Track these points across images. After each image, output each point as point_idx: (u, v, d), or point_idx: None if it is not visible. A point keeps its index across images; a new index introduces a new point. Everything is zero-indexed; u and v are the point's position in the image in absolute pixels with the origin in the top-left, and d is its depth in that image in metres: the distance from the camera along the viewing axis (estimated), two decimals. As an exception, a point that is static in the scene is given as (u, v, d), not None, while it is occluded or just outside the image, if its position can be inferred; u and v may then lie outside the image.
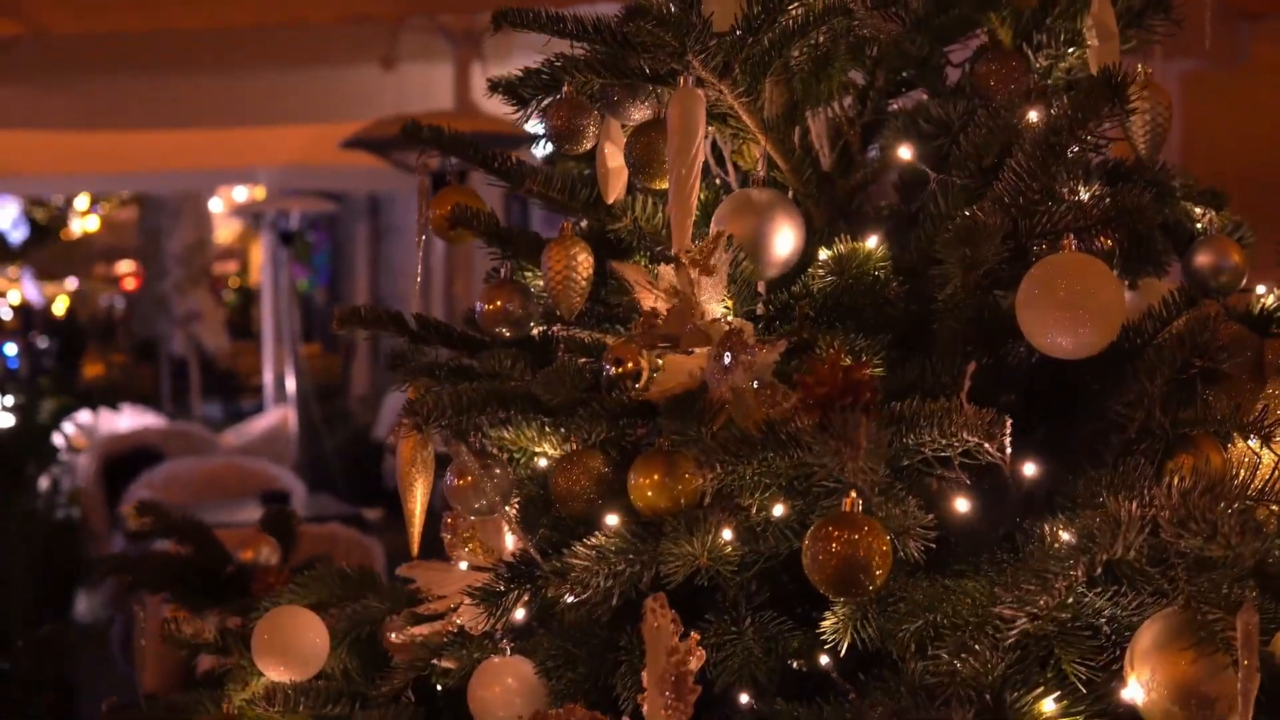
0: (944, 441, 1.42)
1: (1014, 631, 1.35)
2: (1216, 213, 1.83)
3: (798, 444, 1.40)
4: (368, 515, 6.86)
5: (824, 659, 1.53)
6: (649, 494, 1.56)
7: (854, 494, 1.36)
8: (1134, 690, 1.37)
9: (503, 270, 1.84)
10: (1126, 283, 1.77)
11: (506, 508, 1.68)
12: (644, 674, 1.36)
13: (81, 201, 18.71)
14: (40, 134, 8.55)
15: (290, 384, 10.30)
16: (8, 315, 17.91)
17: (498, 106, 1.87)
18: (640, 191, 1.79)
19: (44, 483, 8.37)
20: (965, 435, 1.41)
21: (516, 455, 1.83)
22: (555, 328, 1.83)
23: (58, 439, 8.77)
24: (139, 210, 16.63)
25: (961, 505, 1.50)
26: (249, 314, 17.93)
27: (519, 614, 1.64)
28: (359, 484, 9.02)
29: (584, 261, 1.76)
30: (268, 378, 11.15)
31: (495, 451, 1.71)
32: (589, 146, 1.73)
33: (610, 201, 1.76)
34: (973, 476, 1.52)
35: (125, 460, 8.33)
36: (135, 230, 17.05)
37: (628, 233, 1.79)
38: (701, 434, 1.47)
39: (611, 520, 1.58)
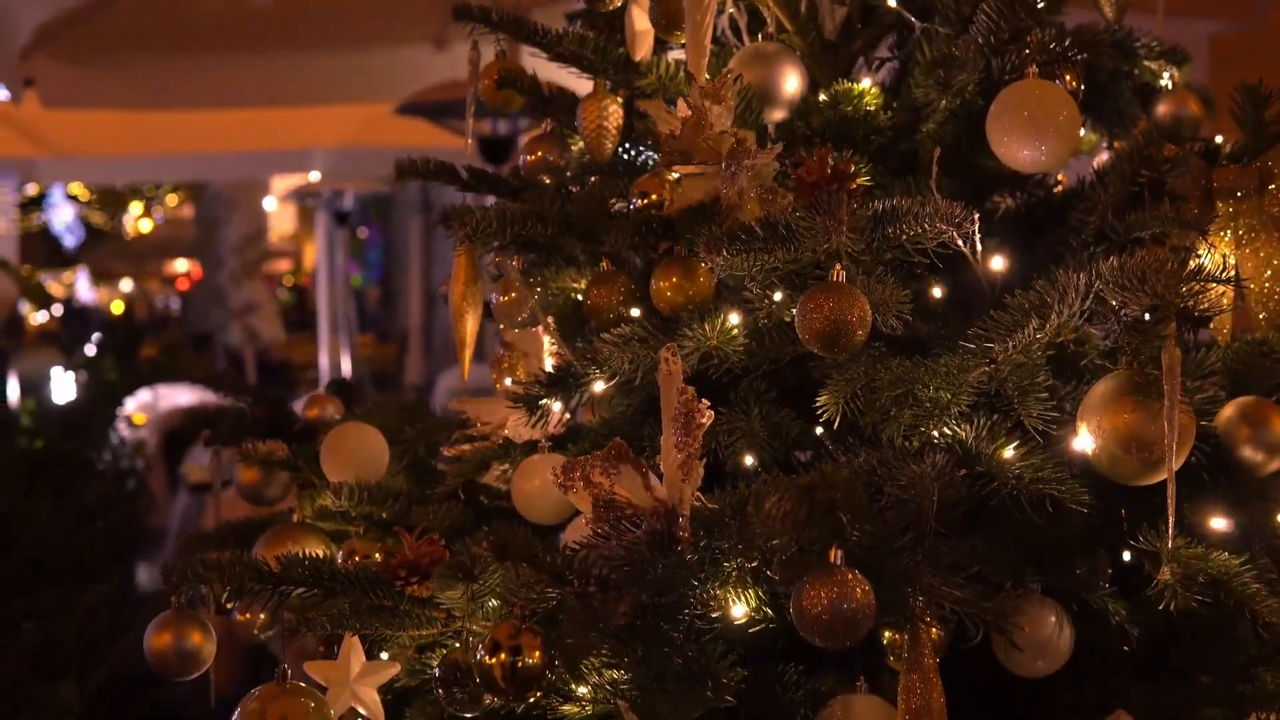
0: (919, 230, 1.64)
1: (978, 375, 1.57)
2: (1177, 69, 2.05)
3: (791, 232, 1.63)
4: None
5: (818, 430, 1.76)
6: (668, 294, 1.81)
7: (839, 266, 1.59)
8: (1084, 440, 1.60)
9: (545, 125, 2.08)
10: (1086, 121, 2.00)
11: (546, 321, 1.92)
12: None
13: (136, 207, 19.16)
14: (96, 114, 8.78)
15: (346, 371, 10.55)
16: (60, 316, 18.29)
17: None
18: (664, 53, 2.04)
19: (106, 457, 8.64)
20: (938, 224, 1.64)
21: (555, 294, 2.08)
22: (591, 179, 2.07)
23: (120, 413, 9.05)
24: (194, 207, 17.00)
25: (936, 292, 1.72)
26: (304, 310, 18.27)
27: (556, 407, 1.87)
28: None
29: (614, 113, 2.00)
30: (323, 363, 11.42)
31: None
32: (617, 5, 1.97)
33: (637, 59, 2.00)
34: (948, 276, 1.76)
35: (185, 433, 8.61)
36: (191, 226, 17.44)
37: (652, 88, 2.03)
38: (712, 230, 1.70)
39: (635, 312, 1.82)
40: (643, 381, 1.79)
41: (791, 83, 1.91)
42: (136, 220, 19.41)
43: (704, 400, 1.58)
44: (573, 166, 2.08)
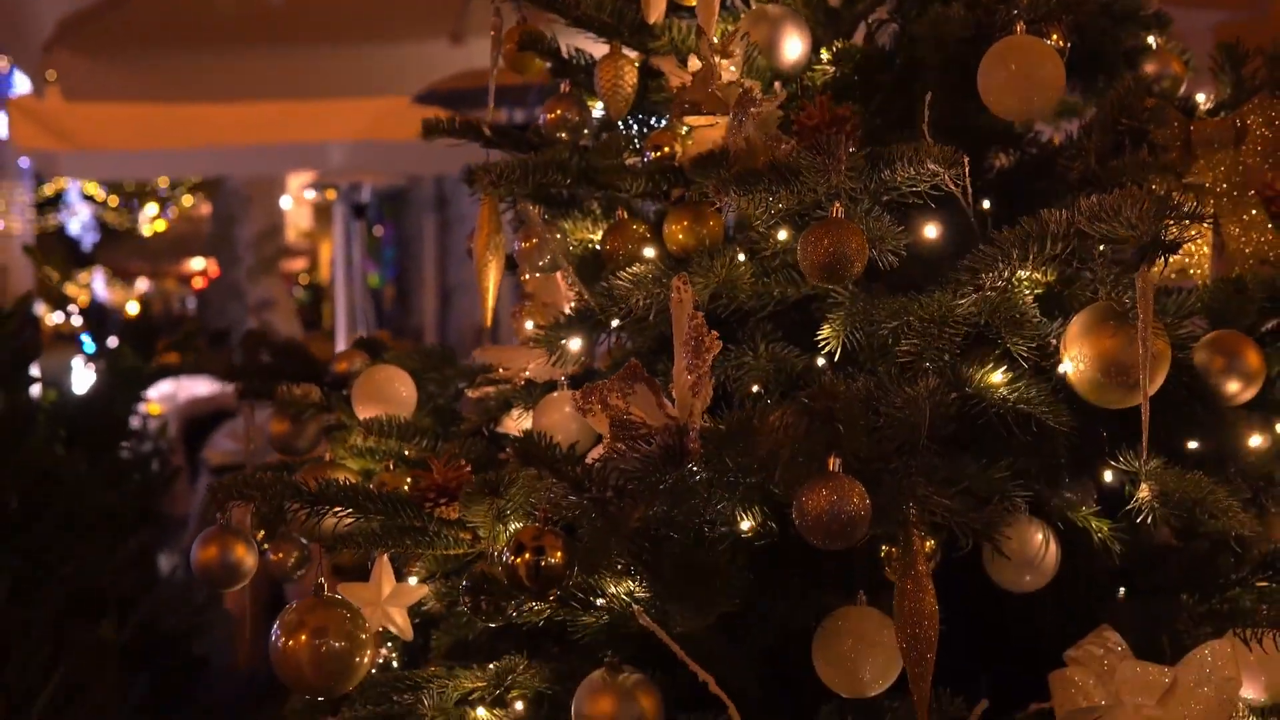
0: (913, 172, 1.76)
1: (968, 305, 1.69)
2: (1160, 32, 2.17)
3: (794, 174, 1.76)
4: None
5: (820, 361, 1.88)
6: (679, 236, 1.93)
7: (838, 204, 1.71)
8: (1066, 365, 1.71)
9: (563, 86, 2.20)
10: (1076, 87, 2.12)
11: (565, 264, 2.05)
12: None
13: (151, 208, 19.32)
14: (116, 107, 8.89)
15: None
16: (79, 321, 18.43)
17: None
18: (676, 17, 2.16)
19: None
20: (930, 165, 1.76)
21: (574, 245, 2.20)
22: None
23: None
24: (210, 204, 17.14)
25: (930, 231, 1.84)
26: (319, 310, 18.41)
27: (575, 345, 2.00)
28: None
29: (629, 72, 2.12)
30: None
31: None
32: (633, -30, 2.10)
33: (651, 22, 2.12)
34: (940, 217, 1.88)
35: (204, 422, 8.77)
36: (207, 224, 17.58)
37: (665, 49, 2.15)
38: (721, 173, 1.83)
39: (649, 253, 1.94)
40: (656, 319, 1.91)
41: (795, 46, 2.03)
42: (153, 220, 19.56)
43: (713, 333, 1.70)
44: (590, 124, 2.20)
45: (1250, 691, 1.84)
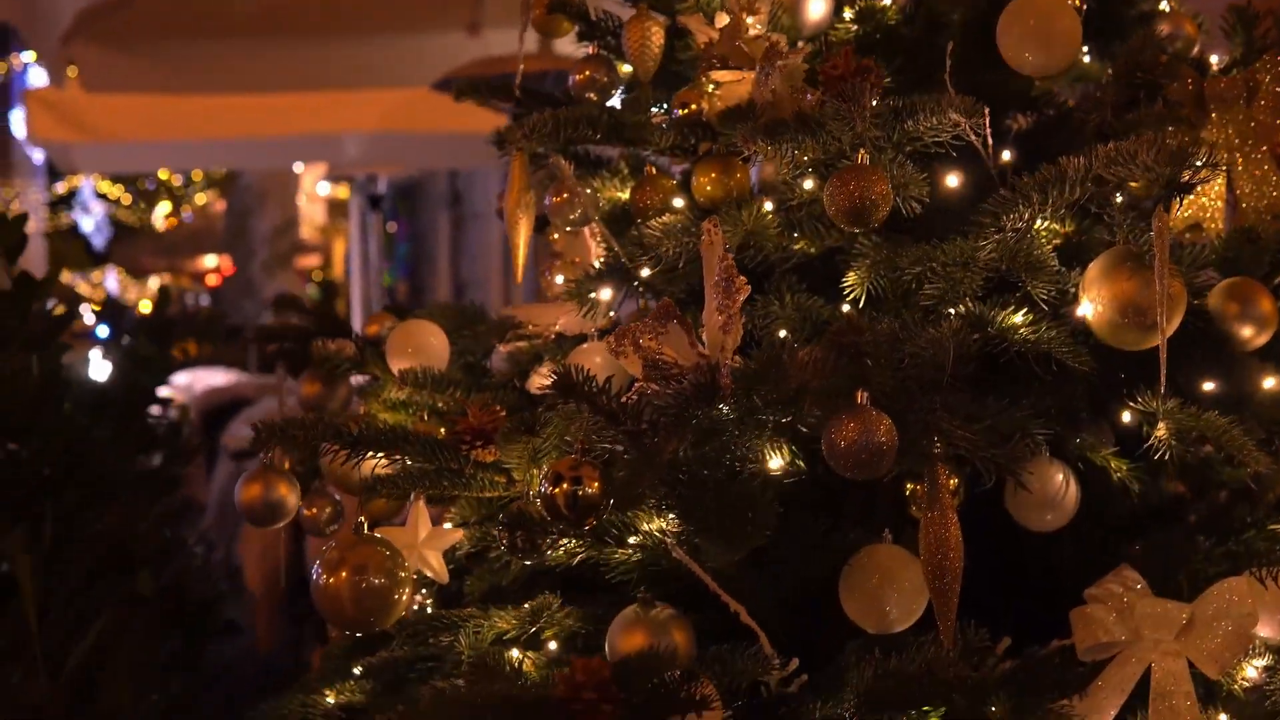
0: (936, 122, 1.82)
1: (990, 251, 1.75)
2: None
3: (819, 123, 1.81)
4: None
5: (845, 309, 1.94)
6: (708, 188, 1.99)
7: (863, 150, 1.77)
8: (1085, 308, 1.77)
9: (592, 48, 2.26)
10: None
11: (596, 217, 2.10)
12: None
13: (164, 206, 19.40)
14: (132, 98, 8.95)
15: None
16: (91, 320, 18.47)
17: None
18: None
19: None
20: (952, 115, 1.81)
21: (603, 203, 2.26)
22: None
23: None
24: (225, 201, 17.24)
25: (952, 181, 1.90)
26: (333, 306, 18.47)
27: (605, 295, 2.05)
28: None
29: (656, 33, 2.18)
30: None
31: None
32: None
33: (677, -17, 2.18)
34: (961, 169, 1.93)
35: (223, 411, 8.83)
36: (221, 220, 17.68)
37: (691, 10, 2.21)
38: (748, 125, 1.88)
39: (678, 203, 2.00)
40: (685, 269, 1.96)
41: (818, 7, 2.08)
42: (165, 218, 19.64)
43: (741, 278, 1.75)
44: (618, 85, 2.25)
45: (1265, 630, 1.89)
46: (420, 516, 2.01)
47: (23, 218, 3.47)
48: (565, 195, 2.10)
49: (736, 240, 1.91)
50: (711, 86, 2.00)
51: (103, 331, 10.68)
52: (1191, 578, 1.87)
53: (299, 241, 17.43)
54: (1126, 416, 1.87)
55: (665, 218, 1.96)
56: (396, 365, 2.23)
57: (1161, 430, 1.76)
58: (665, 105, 2.18)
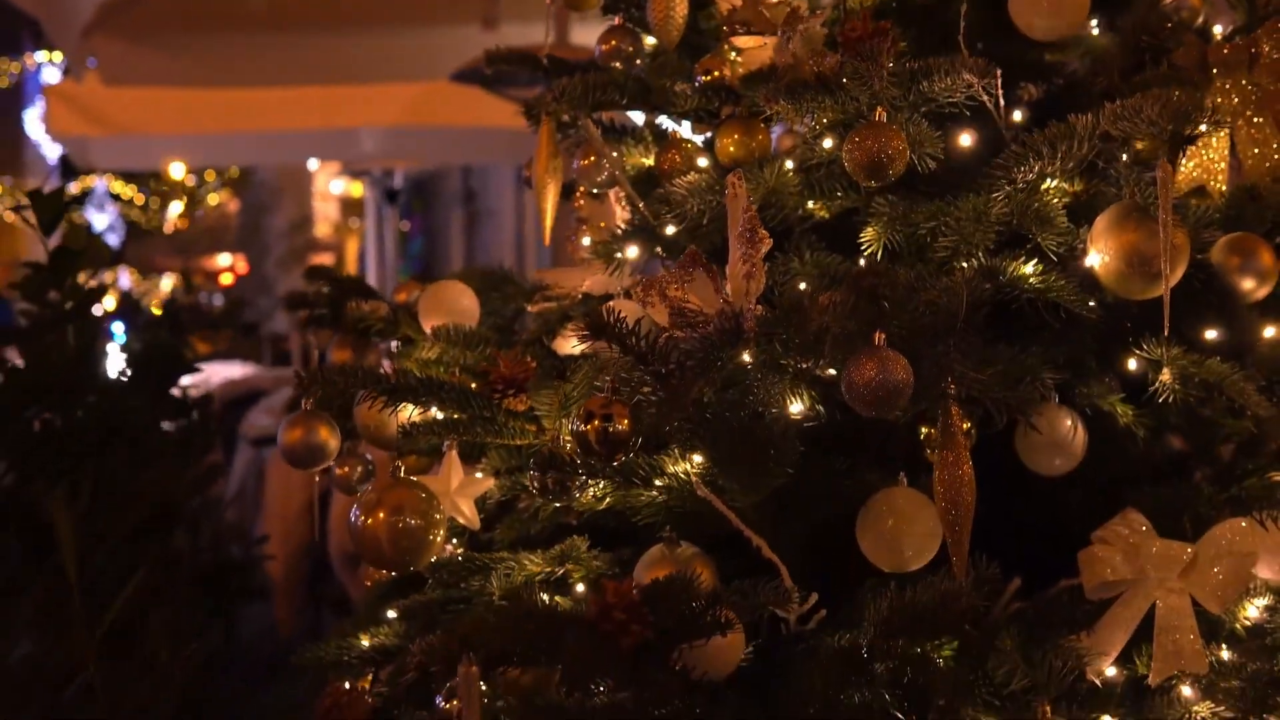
0: (950, 83, 1.90)
1: (1000, 204, 1.83)
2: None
3: (838, 83, 1.89)
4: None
5: (863, 264, 2.02)
6: (730, 149, 2.07)
7: (881, 109, 1.85)
8: (1093, 259, 1.85)
9: (617, 19, 2.34)
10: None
11: (623, 178, 2.18)
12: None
13: (176, 206, 19.49)
14: (151, 91, 9.05)
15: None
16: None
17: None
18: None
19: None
20: (966, 76, 1.89)
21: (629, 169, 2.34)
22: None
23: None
24: (239, 200, 17.33)
25: (965, 140, 1.98)
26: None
27: (632, 253, 2.14)
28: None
29: (680, 3, 2.26)
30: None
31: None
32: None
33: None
34: (975, 130, 2.01)
35: (240, 402, 8.92)
36: (236, 218, 17.77)
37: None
38: (769, 86, 1.97)
39: (702, 162, 2.08)
40: (709, 226, 2.05)
41: (836, -31, 2.17)
42: (178, 218, 19.72)
43: (763, 230, 1.83)
44: (643, 54, 2.34)
45: (1266, 571, 1.96)
46: (453, 465, 2.09)
47: (60, 191, 3.56)
48: (593, 158, 2.18)
49: (758, 198, 1.99)
50: (734, 54, 2.08)
51: (117, 328, 10.78)
52: (1195, 522, 1.94)
53: (313, 239, 17.54)
54: (1133, 364, 1.94)
55: (690, 177, 2.04)
56: (429, 324, 2.31)
57: (1166, 376, 1.84)
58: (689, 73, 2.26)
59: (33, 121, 17.69)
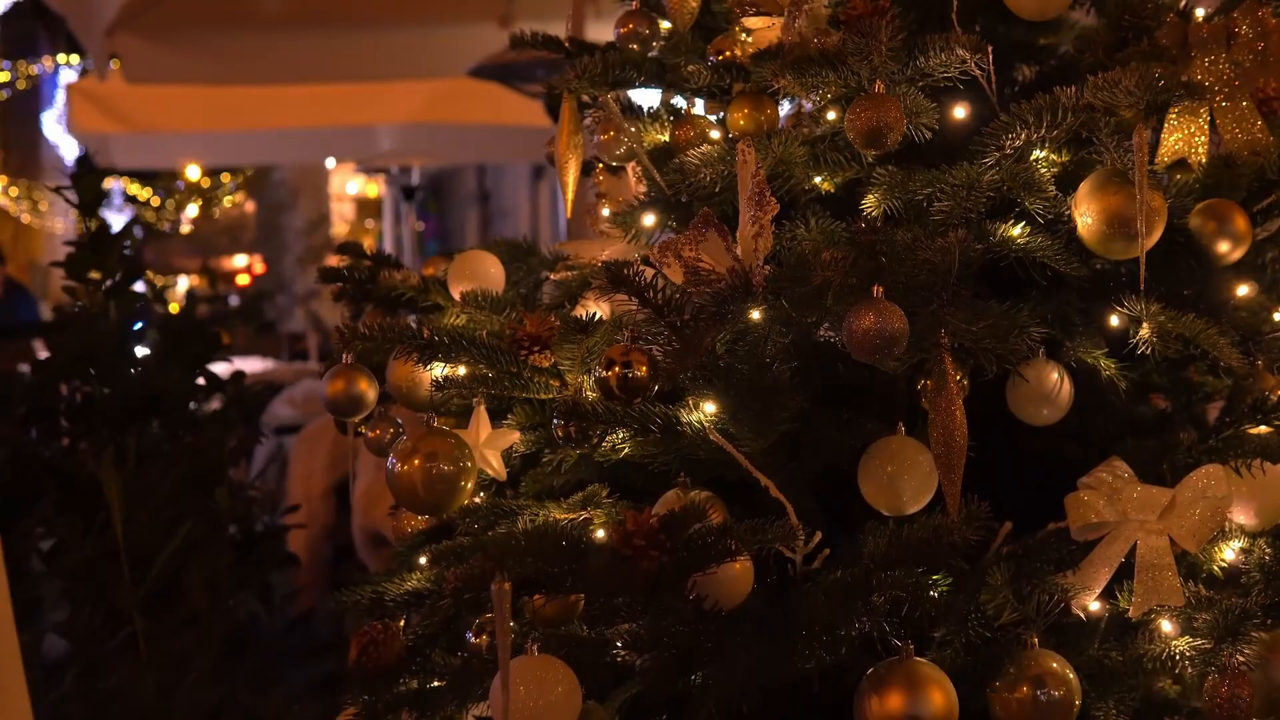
0: (944, 58, 2.04)
1: (990, 171, 1.97)
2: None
3: (841, 59, 2.04)
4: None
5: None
6: (741, 122, 2.22)
7: (880, 82, 2.00)
8: (1077, 223, 1.99)
9: (633, 3, 2.49)
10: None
11: (641, 151, 2.33)
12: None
13: (191, 209, 19.68)
14: (172, 89, 9.19)
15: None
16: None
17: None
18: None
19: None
20: (959, 51, 2.04)
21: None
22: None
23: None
24: (256, 202, 17.51)
25: (959, 112, 2.12)
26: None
27: (649, 221, 2.28)
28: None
29: (693, -14, 2.41)
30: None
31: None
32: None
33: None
34: (968, 103, 2.16)
35: (259, 395, 9.07)
36: (253, 220, 17.97)
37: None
38: (776, 62, 2.11)
39: (714, 134, 2.23)
40: (720, 194, 2.19)
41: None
42: (192, 220, 19.91)
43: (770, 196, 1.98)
44: (659, 37, 2.48)
45: (1242, 517, 2.10)
46: (481, 419, 2.24)
47: (101, 174, 3.72)
48: (613, 133, 2.33)
49: (767, 168, 2.13)
50: (745, 35, 2.23)
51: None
52: (1174, 469, 2.08)
53: (330, 239, 17.73)
54: (1115, 320, 2.08)
55: (704, 148, 2.19)
56: (457, 289, 2.45)
57: (1145, 331, 1.98)
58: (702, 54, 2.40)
59: (50, 124, 17.90)
